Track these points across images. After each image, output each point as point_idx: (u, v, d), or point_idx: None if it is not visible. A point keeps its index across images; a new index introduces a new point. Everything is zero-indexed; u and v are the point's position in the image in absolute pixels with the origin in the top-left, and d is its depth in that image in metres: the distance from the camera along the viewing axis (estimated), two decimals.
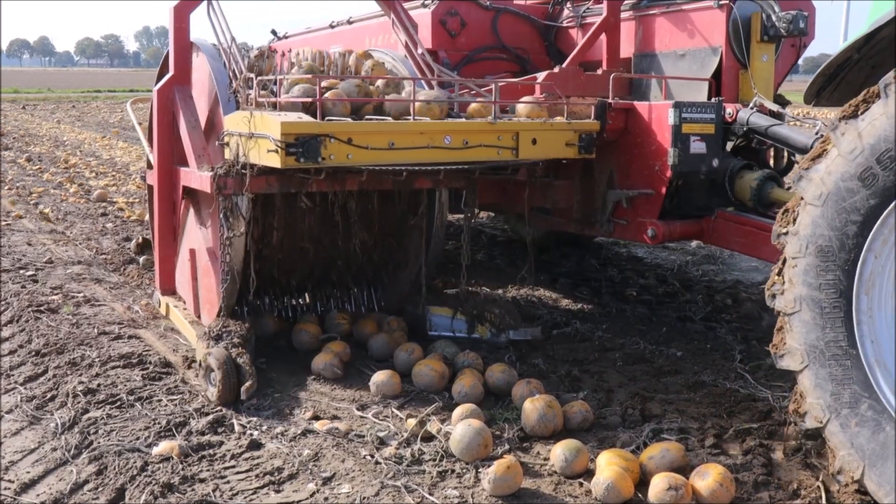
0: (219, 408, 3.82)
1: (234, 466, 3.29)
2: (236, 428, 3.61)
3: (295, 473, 3.22)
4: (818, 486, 3.10)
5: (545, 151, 4.39)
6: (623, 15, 5.50)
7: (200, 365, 4.06)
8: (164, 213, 5.12)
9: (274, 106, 4.04)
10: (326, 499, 3.03)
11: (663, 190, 4.51)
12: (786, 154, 4.79)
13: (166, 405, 3.86)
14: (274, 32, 8.31)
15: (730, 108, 4.48)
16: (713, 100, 4.56)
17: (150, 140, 5.46)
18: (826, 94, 3.33)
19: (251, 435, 3.53)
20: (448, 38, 5.83)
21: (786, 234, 2.96)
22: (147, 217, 8.78)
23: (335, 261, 5.06)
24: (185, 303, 5.06)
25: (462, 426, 3.35)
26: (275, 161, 3.79)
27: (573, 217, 5.11)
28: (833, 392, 2.82)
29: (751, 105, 4.52)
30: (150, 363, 4.36)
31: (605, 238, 6.78)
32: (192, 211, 4.89)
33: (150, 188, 5.59)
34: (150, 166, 5.56)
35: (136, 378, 4.17)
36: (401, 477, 3.17)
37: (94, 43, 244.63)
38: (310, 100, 4.00)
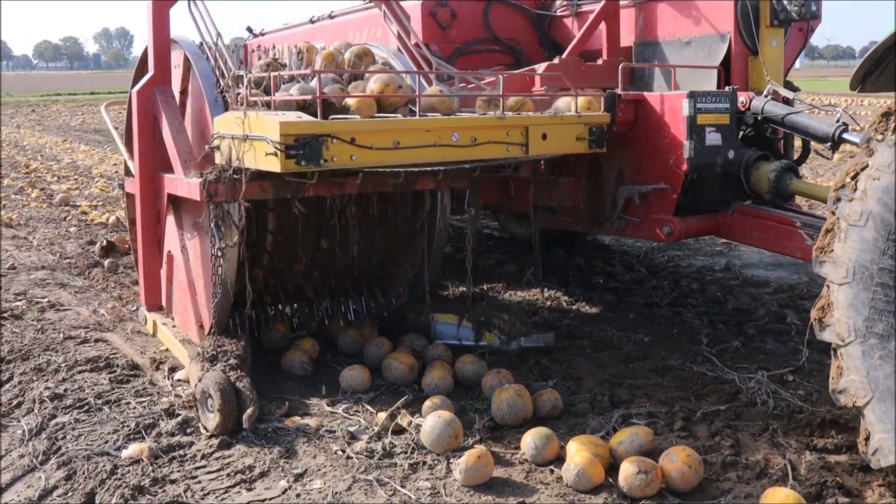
0: (188, 409, 3.78)
1: (204, 466, 3.28)
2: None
3: (266, 471, 3.21)
4: (785, 465, 3.15)
5: (556, 147, 4.21)
6: (622, 2, 5.28)
7: (196, 390, 3.69)
8: (147, 223, 4.79)
9: (268, 105, 3.75)
10: (298, 495, 3.03)
11: (679, 184, 4.34)
12: (800, 143, 4.64)
13: (135, 408, 3.83)
14: (250, 30, 8.13)
15: (743, 97, 4.35)
16: (727, 88, 4.41)
17: (129, 146, 5.11)
18: (871, 80, 3.15)
19: (221, 434, 3.51)
20: (439, 31, 5.66)
21: (880, 140, 2.69)
22: (110, 221, 8.76)
23: (331, 269, 4.81)
24: (173, 319, 4.78)
25: (432, 418, 3.36)
26: (274, 165, 3.50)
27: (580, 215, 4.93)
28: (867, 318, 2.70)
29: (764, 93, 4.40)
30: (118, 366, 4.32)
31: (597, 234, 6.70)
32: (172, 219, 4.60)
33: (130, 197, 5.18)
34: (129, 173, 5.20)
35: (103, 382, 4.13)
36: (372, 471, 3.18)
37: (53, 46, 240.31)
38: (308, 97, 3.71)
